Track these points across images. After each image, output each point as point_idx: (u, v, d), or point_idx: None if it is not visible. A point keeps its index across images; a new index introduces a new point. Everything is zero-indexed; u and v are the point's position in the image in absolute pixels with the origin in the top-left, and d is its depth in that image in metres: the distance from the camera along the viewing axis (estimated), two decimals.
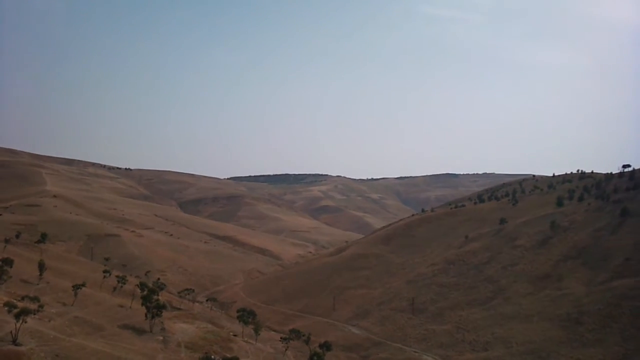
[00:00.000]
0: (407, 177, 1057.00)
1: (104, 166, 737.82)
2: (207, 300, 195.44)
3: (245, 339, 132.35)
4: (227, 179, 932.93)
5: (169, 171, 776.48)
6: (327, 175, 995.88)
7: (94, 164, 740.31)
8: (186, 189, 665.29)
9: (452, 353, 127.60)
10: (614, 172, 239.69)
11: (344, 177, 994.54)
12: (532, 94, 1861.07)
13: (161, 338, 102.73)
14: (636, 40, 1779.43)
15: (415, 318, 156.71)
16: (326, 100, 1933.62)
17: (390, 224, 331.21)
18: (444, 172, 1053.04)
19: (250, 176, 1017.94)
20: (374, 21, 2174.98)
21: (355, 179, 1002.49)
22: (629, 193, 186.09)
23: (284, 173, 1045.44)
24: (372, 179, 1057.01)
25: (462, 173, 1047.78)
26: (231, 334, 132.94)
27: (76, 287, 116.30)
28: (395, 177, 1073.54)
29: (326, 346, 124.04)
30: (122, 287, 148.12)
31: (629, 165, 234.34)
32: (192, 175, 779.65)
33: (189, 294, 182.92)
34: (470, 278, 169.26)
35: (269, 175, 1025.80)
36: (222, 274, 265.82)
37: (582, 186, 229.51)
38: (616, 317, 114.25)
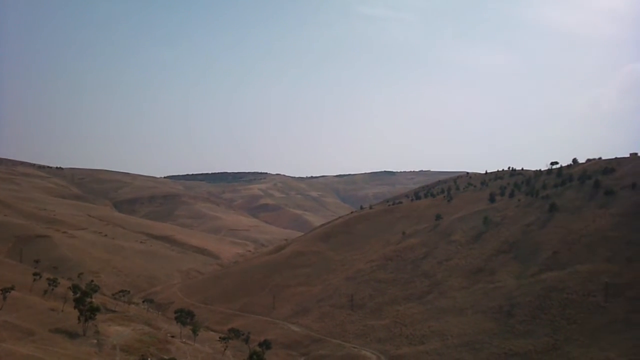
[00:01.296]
0: (346, 175, 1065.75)
1: (34, 165, 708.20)
2: (143, 302, 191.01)
3: (183, 340, 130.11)
4: (164, 177, 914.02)
5: (103, 170, 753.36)
6: (266, 173, 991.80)
7: (22, 163, 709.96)
8: (121, 188, 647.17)
9: (390, 347, 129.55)
10: (542, 169, 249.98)
11: (284, 175, 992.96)
12: (466, 93, 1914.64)
13: (95, 341, 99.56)
14: (564, 42, 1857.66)
15: (354, 314, 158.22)
16: (265, 98, 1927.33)
17: (329, 222, 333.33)
18: (382, 170, 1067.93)
19: (187, 175, 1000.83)
20: (313, 19, 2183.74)
21: (294, 177, 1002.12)
22: (557, 189, 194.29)
23: (222, 171, 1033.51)
24: (312, 177, 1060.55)
25: (399, 171, 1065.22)
26: (168, 335, 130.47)
27: (4, 291, 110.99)
28: (335, 175, 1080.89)
29: (266, 344, 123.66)
30: (53, 290, 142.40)
31: (556, 163, 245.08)
32: (128, 174, 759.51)
33: (124, 295, 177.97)
34: (408, 273, 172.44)
35: (207, 174, 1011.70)
36: (159, 275, 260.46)
37: (513, 183, 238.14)
38: (545, 308, 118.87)
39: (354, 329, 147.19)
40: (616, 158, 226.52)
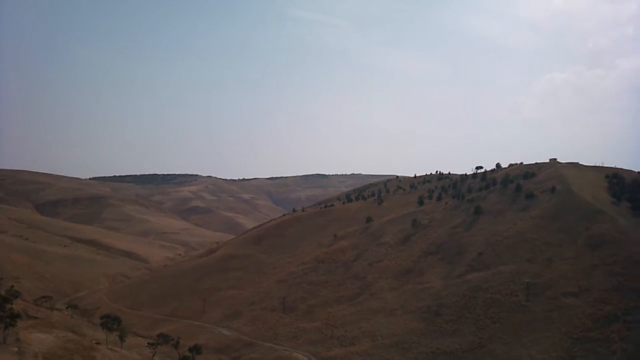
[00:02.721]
0: (279, 178, 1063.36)
1: None
2: (67, 308, 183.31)
3: (110, 346, 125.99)
4: (90, 179, 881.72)
5: (24, 171, 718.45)
6: (197, 175, 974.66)
7: None
8: (44, 190, 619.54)
9: (321, 349, 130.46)
10: (468, 174, 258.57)
11: (215, 177, 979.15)
12: (395, 99, 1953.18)
13: (16, 349, 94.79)
14: (488, 50, 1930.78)
15: (286, 317, 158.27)
16: (196, 99, 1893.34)
17: (261, 224, 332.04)
18: (315, 173, 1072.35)
19: (115, 176, 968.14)
20: (245, 21, 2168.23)
21: (226, 179, 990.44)
22: (481, 192, 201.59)
23: (151, 173, 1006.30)
24: (244, 180, 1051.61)
25: (331, 174, 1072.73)
26: (94, 342, 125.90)
27: None
28: (267, 177, 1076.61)
29: (196, 349, 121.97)
30: None
31: (481, 167, 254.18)
32: (51, 175, 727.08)
33: (46, 301, 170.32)
34: (339, 275, 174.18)
35: (135, 175, 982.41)
36: (84, 280, 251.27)
37: (440, 186, 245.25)
38: (471, 308, 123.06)
39: (286, 332, 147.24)
40: (536, 163, 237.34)
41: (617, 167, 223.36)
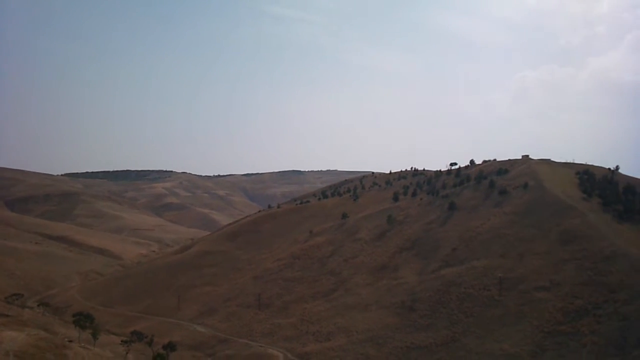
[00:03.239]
0: (254, 174, 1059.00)
1: None
2: (38, 305, 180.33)
3: (83, 344, 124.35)
4: (62, 175, 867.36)
5: None
6: (171, 171, 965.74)
7: None
8: (14, 186, 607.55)
9: (297, 345, 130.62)
10: (442, 170, 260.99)
11: (190, 173, 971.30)
12: (370, 95, 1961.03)
13: None
14: (462, 48, 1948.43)
15: (262, 313, 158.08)
16: (170, 94, 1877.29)
17: (236, 221, 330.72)
18: (290, 169, 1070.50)
19: (87, 172, 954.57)
20: (219, 17, 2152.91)
21: (201, 176, 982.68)
22: (456, 189, 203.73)
23: (125, 169, 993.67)
24: (219, 176, 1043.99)
25: (307, 170, 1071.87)
26: (66, 340, 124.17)
27: None
28: (243, 173, 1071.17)
29: (170, 346, 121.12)
30: None
31: (455, 163, 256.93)
32: (21, 171, 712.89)
33: (17, 299, 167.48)
34: (315, 271, 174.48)
35: (108, 172, 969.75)
36: (56, 277, 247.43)
37: (415, 182, 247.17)
38: (445, 303, 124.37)
39: (261, 328, 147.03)
40: (509, 160, 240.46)
41: (587, 163, 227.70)
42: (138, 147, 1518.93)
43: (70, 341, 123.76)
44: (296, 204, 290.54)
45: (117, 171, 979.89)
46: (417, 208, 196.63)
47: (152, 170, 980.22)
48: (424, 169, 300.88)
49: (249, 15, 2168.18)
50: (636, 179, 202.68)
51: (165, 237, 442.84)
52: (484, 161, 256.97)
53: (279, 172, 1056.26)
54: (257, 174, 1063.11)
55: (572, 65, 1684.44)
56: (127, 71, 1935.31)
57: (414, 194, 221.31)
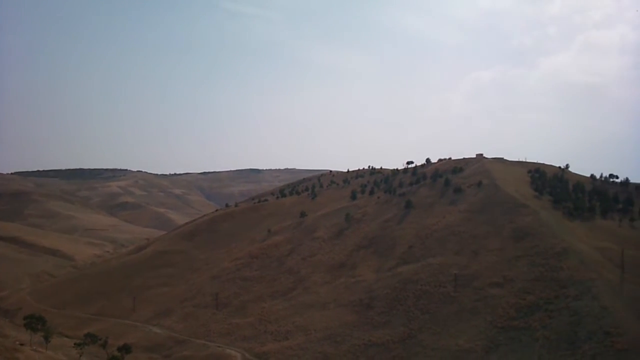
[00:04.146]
0: (211, 173, 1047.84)
1: None
2: None
3: (34, 347, 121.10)
4: (11, 173, 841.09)
5: None
6: (126, 170, 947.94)
7: None
8: None
9: (255, 344, 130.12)
10: (399, 168, 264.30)
11: (145, 172, 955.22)
12: (328, 94, 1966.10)
13: None
14: (419, 48, 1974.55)
15: (219, 313, 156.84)
16: (124, 91, 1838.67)
17: (193, 220, 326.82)
18: (248, 168, 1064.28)
19: (38, 171, 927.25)
20: (176, 12, 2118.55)
21: (157, 174, 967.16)
22: (412, 187, 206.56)
23: (77, 168, 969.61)
24: (175, 175, 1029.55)
25: (265, 169, 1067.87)
26: (17, 343, 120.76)
27: None
28: (199, 172, 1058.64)
29: (125, 348, 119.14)
30: None
31: (412, 162, 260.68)
32: None
33: None
34: (273, 270, 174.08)
35: (60, 170, 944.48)
36: (6, 279, 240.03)
37: (373, 181, 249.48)
38: (402, 300, 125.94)
39: (219, 328, 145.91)
40: (464, 158, 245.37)
41: (539, 162, 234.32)
42: (91, 145, 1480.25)
43: (22, 344, 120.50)
44: (254, 203, 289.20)
45: (69, 170, 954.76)
46: (374, 206, 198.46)
47: (106, 169, 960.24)
48: (381, 168, 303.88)
49: (205, 10, 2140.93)
50: (585, 177, 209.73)
51: (120, 237, 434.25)
52: (440, 160, 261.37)
53: (237, 170, 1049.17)
54: (215, 172, 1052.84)
55: (524, 65, 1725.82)
56: (78, 66, 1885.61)
57: (371, 193, 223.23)
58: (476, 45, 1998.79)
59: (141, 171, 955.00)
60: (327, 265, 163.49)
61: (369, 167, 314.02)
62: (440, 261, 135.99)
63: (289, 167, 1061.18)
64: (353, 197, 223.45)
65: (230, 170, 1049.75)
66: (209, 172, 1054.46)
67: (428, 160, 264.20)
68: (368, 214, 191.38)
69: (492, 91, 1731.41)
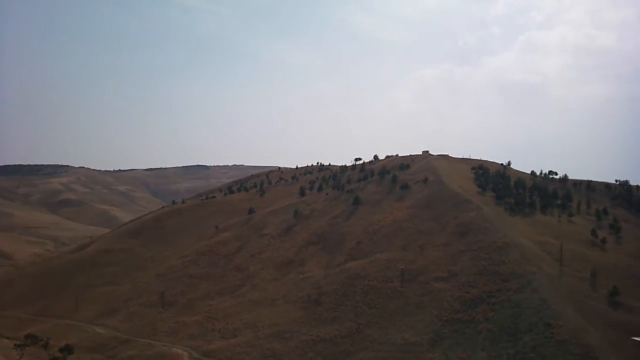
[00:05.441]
0: (157, 169, 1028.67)
1: None
2: None
3: None
4: None
5: None
6: (68, 166, 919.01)
7: None
8: None
9: (202, 342, 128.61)
10: (347, 165, 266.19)
11: (88, 168, 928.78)
12: (277, 90, 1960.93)
13: None
14: (367, 46, 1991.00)
15: (165, 311, 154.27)
16: (65, 84, 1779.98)
17: (139, 217, 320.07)
18: (196, 164, 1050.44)
19: None
20: (124, 4, 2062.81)
21: (100, 171, 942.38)
22: (360, 184, 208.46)
23: (16, 164, 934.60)
24: (120, 171, 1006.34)
25: (213, 165, 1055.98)
26: None
27: None
28: (145, 168, 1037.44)
29: (67, 349, 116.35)
30: None
31: (360, 159, 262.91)
32: None
33: None
34: (221, 268, 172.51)
35: None
36: None
37: (321, 177, 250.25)
38: (350, 295, 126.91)
39: (165, 327, 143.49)
40: (411, 155, 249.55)
41: (482, 159, 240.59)
42: (31, 141, 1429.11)
43: None
44: (201, 200, 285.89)
45: (7, 165, 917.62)
46: (323, 203, 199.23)
47: (47, 165, 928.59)
48: (329, 164, 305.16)
49: (155, 3, 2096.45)
50: (526, 173, 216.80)
51: (62, 235, 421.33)
52: (387, 156, 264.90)
53: (184, 166, 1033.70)
54: (161, 168, 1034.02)
55: (468, 64, 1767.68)
56: (16, 59, 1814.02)
57: (319, 189, 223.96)
58: (423, 44, 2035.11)
59: (84, 167, 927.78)
60: (276, 262, 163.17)
61: (317, 163, 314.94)
62: (387, 257, 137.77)
63: (237, 164, 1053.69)
64: (302, 193, 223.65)
65: (177, 167, 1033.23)
66: (155, 169, 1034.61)
67: (376, 157, 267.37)
68: (316, 211, 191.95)
69: (438, 89, 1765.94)
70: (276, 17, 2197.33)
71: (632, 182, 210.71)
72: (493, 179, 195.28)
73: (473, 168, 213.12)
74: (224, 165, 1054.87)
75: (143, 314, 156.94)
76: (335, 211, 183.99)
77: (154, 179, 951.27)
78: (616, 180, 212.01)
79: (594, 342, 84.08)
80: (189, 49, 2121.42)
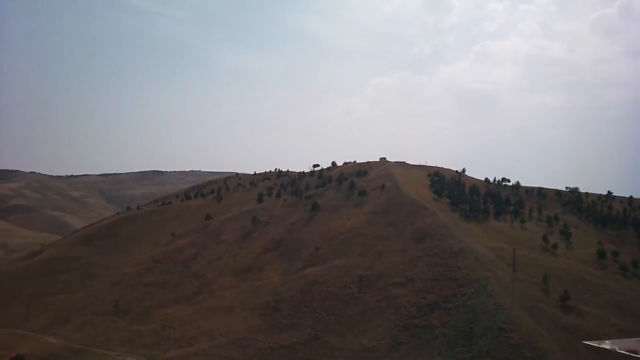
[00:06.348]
0: (112, 174, 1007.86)
1: None
2: None
3: None
4: None
5: None
6: (18, 171, 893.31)
7: None
8: None
9: (158, 352, 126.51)
10: (306, 171, 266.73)
11: (39, 173, 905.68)
12: (233, 95, 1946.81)
13: None
14: (323, 52, 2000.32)
15: (120, 320, 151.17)
16: (15, 86, 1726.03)
17: (92, 224, 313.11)
18: (151, 170, 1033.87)
19: None
20: (73, 6, 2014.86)
21: (52, 176, 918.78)
22: (318, 190, 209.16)
23: None
24: (72, 176, 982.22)
25: (169, 170, 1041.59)
26: None
27: None
28: (99, 174, 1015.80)
29: (18, 359, 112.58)
30: None
31: (318, 165, 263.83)
32: None
33: None
34: (177, 275, 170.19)
35: None
36: None
37: (279, 184, 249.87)
38: (308, 302, 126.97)
39: (119, 336, 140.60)
40: (368, 162, 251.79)
41: (437, 166, 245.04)
42: None
43: None
44: (157, 206, 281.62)
45: None
46: (281, 209, 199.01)
47: None
48: (287, 170, 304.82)
49: (107, 5, 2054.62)
50: (480, 180, 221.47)
51: (11, 242, 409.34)
52: (345, 163, 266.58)
53: (139, 172, 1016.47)
54: (115, 174, 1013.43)
55: (424, 72, 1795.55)
56: None
57: (278, 195, 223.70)
58: (380, 51, 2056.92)
59: (35, 172, 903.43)
60: (234, 268, 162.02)
61: (275, 169, 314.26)
62: (345, 263, 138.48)
63: (194, 169, 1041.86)
64: (260, 199, 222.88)
65: (133, 172, 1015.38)
66: (109, 174, 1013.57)
67: (334, 163, 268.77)
68: (275, 217, 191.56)
69: (394, 96, 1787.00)
70: (231, 21, 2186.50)
71: (582, 189, 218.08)
72: (448, 185, 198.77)
73: (429, 175, 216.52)
74: (180, 171, 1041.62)
75: (96, 323, 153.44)
76: (294, 217, 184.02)
77: (108, 185, 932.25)
78: (566, 187, 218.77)
79: (546, 345, 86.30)
80: (142, 52, 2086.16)
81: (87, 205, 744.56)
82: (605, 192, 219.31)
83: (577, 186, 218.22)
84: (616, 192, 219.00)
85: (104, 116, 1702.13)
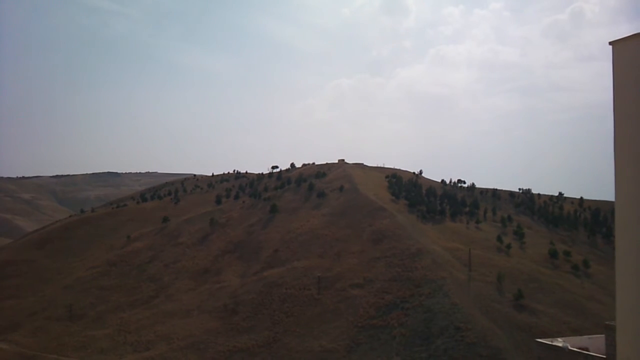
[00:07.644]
0: (65, 176, 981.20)
1: None
2: None
3: None
4: None
5: None
6: None
7: None
8: None
9: (113, 357, 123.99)
10: (264, 173, 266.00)
11: None
12: (191, 96, 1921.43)
13: None
14: (282, 53, 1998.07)
15: (73, 325, 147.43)
16: None
17: (44, 227, 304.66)
18: (106, 171, 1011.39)
19: None
20: (23, 2, 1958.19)
21: (1, 177, 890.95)
22: (277, 191, 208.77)
23: None
24: (23, 177, 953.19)
25: (124, 172, 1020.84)
26: None
27: None
28: (51, 175, 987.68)
29: None
30: None
31: (277, 167, 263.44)
32: None
33: None
34: (133, 278, 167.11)
35: None
36: None
37: (238, 185, 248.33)
38: (267, 304, 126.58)
39: (73, 342, 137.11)
40: (327, 163, 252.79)
41: (395, 167, 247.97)
42: None
43: None
44: (112, 208, 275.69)
45: None
46: (239, 211, 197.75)
47: None
48: (246, 172, 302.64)
49: (59, 3, 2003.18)
50: (436, 182, 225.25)
51: None
52: (304, 164, 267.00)
53: (93, 173, 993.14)
54: (69, 175, 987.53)
55: (382, 75, 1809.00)
56: None
57: (236, 197, 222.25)
58: (339, 53, 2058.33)
59: None
60: (191, 271, 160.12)
61: (234, 171, 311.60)
62: (304, 264, 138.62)
63: (151, 171, 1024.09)
64: (218, 201, 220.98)
65: (86, 174, 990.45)
66: (62, 175, 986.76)
67: (292, 164, 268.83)
68: (233, 219, 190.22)
69: (352, 99, 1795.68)
70: (189, 21, 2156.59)
71: (534, 191, 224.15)
72: (406, 187, 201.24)
73: (387, 176, 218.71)
74: (136, 172, 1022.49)
75: (49, 328, 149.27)
76: (252, 219, 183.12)
77: (61, 187, 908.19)
78: (519, 189, 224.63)
79: (501, 344, 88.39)
80: (96, 51, 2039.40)
81: (38, 208, 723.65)
82: (556, 194, 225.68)
83: (530, 187, 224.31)
84: (567, 194, 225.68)
85: (55, 116, 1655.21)
